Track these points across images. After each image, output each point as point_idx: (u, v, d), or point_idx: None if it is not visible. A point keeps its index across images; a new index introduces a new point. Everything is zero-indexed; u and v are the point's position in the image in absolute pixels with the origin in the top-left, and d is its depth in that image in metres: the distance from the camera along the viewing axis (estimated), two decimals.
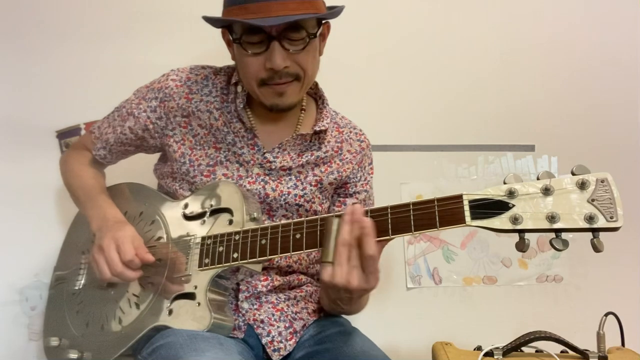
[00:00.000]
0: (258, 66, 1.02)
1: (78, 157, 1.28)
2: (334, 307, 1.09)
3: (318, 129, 1.13)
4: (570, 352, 1.25)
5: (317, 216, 0.93)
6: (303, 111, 1.17)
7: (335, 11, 1.06)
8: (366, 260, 0.85)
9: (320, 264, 0.88)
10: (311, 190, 1.14)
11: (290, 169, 1.13)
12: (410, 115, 1.61)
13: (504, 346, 1.25)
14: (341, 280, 0.85)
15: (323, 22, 1.07)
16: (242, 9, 0.98)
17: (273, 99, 1.05)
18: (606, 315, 1.27)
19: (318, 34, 1.04)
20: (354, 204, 1.16)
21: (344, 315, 1.18)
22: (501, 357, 1.23)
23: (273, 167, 1.11)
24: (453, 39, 1.61)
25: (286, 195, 1.11)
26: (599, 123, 1.63)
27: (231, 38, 1.04)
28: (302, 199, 1.12)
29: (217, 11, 1.08)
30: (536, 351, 1.27)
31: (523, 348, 1.26)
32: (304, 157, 1.14)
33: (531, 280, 1.60)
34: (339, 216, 0.89)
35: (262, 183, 1.10)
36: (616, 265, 1.59)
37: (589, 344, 1.27)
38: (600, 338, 1.25)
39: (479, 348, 1.27)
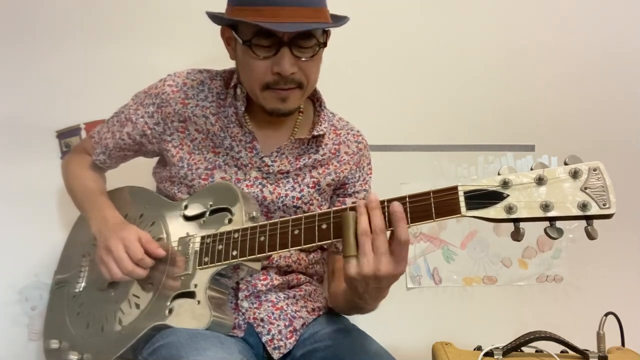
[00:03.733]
0: (264, 70, 1.01)
1: (79, 160, 1.28)
2: (358, 304, 1.00)
3: (316, 133, 1.13)
4: (570, 352, 1.25)
5: (314, 212, 0.93)
6: (301, 114, 1.17)
7: (342, 22, 1.06)
8: (399, 246, 0.83)
9: (344, 260, 0.86)
10: (309, 192, 1.14)
11: (288, 172, 1.13)
12: (410, 115, 1.61)
13: (504, 346, 1.25)
14: (369, 269, 0.83)
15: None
16: (254, 11, 0.96)
17: (275, 104, 1.05)
18: (606, 315, 1.27)
19: (325, 43, 1.05)
20: (353, 202, 1.17)
21: (345, 316, 1.18)
22: (501, 357, 1.23)
23: (271, 170, 1.11)
24: (453, 39, 1.61)
25: (284, 198, 1.11)
26: (599, 123, 1.63)
27: (237, 39, 1.02)
28: (299, 201, 1.13)
29: (219, 11, 1.08)
30: (536, 351, 1.27)
31: (523, 348, 1.26)
32: (301, 160, 1.14)
33: (531, 280, 1.60)
34: (353, 209, 0.87)
35: (259, 186, 1.11)
36: (616, 265, 1.59)
37: (589, 344, 1.27)
38: (600, 338, 1.25)
39: (479, 348, 1.27)
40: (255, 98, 1.07)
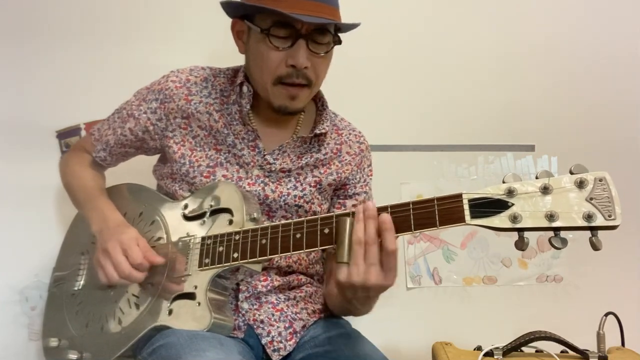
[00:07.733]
0: (278, 62, 1.02)
1: (78, 159, 1.28)
2: (348, 308, 1.07)
3: (318, 132, 1.13)
4: (570, 352, 1.26)
5: (317, 216, 0.93)
6: (303, 113, 1.17)
7: (355, 24, 1.07)
8: (387, 257, 0.84)
9: (335, 264, 0.87)
10: (310, 191, 1.14)
11: (289, 170, 1.13)
12: (410, 115, 1.61)
13: (504, 346, 1.25)
14: (358, 279, 0.84)
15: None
16: (274, 1, 0.97)
17: (283, 101, 1.05)
18: (606, 315, 1.28)
19: (340, 40, 1.06)
20: (354, 205, 1.18)
21: (344, 317, 1.18)
22: (501, 357, 1.24)
23: (273, 169, 1.11)
24: (453, 39, 1.61)
25: (285, 196, 1.11)
26: (599, 123, 1.63)
27: (253, 28, 1.03)
28: (301, 200, 1.13)
29: (218, 14, 1.08)
30: (536, 351, 1.27)
31: (523, 348, 1.27)
32: (303, 159, 1.14)
33: (531, 280, 1.60)
34: (351, 214, 0.88)
35: (261, 185, 1.10)
36: (616, 265, 1.59)
37: (589, 344, 1.27)
38: (600, 338, 1.25)
39: (479, 348, 1.27)
40: (265, 93, 1.07)
